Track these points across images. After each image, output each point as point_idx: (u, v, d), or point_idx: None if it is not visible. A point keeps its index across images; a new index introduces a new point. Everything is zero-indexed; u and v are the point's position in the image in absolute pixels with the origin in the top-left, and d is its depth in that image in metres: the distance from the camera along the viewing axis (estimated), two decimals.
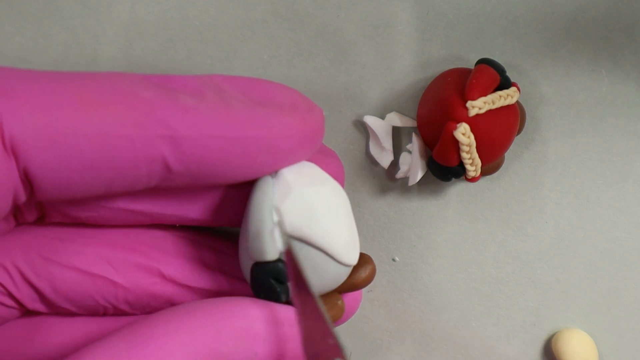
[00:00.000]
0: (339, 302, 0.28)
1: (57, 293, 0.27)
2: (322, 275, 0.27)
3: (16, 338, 0.29)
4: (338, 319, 0.28)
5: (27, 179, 0.23)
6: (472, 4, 0.32)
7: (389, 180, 0.33)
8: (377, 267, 0.34)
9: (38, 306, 0.28)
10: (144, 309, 0.28)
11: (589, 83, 0.32)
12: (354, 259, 0.27)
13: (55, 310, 0.28)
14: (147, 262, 0.28)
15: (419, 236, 0.33)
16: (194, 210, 0.28)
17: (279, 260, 0.26)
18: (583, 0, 0.32)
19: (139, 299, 0.28)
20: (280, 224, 0.25)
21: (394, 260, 0.34)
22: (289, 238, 0.26)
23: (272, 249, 0.25)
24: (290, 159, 0.26)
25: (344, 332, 0.34)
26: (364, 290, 0.34)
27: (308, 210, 0.26)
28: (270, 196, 0.26)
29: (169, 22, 0.33)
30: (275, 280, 0.26)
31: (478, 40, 0.32)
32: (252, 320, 0.25)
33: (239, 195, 0.28)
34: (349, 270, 0.27)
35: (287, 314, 0.26)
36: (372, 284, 0.33)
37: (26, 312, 0.29)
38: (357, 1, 0.32)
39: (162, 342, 0.23)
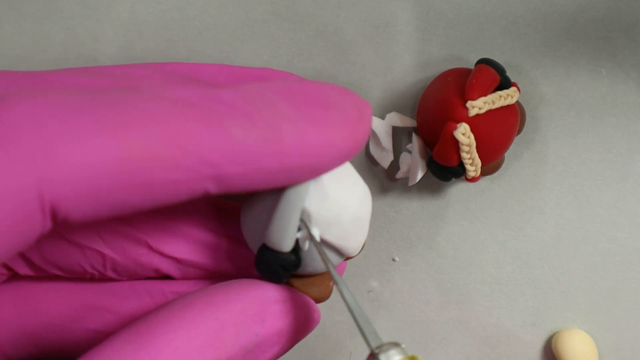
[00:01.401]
0: (330, 284, 0.29)
1: (46, 261, 0.28)
2: (323, 262, 0.27)
3: (2, 303, 0.29)
4: (325, 299, 0.29)
5: (64, 222, 0.23)
6: (472, 4, 0.32)
7: (389, 180, 0.33)
8: (377, 267, 0.34)
9: (26, 271, 0.28)
10: (130, 276, 0.29)
11: (589, 83, 0.32)
12: (357, 251, 0.28)
13: (42, 274, 0.29)
14: (135, 233, 0.28)
15: (419, 236, 0.33)
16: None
17: (291, 252, 0.26)
18: (583, 0, 0.32)
19: (126, 268, 0.28)
20: (307, 227, 0.26)
21: (394, 260, 0.34)
22: (311, 241, 0.26)
23: (290, 243, 0.26)
24: (331, 169, 0.26)
25: (344, 333, 0.34)
26: (363, 290, 0.34)
27: (336, 218, 0.26)
28: (304, 197, 0.26)
29: (169, 22, 0.33)
30: (282, 268, 0.26)
31: (478, 40, 0.32)
32: (249, 303, 0.26)
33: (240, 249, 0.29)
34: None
35: (275, 291, 0.27)
36: (372, 284, 0.33)
37: (13, 276, 0.29)
38: (357, 1, 0.32)
39: (168, 340, 0.24)
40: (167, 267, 0.29)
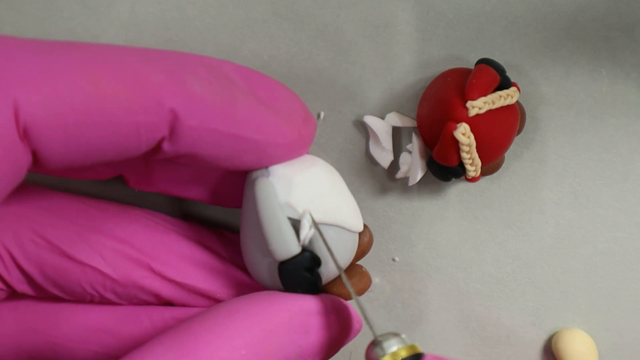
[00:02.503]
0: (363, 269, 0.29)
1: (46, 278, 0.28)
2: (342, 249, 0.28)
3: (3, 319, 0.29)
4: (369, 285, 0.29)
5: (34, 159, 0.23)
6: (472, 4, 0.32)
7: (389, 180, 0.33)
8: (377, 267, 0.34)
9: (26, 289, 0.28)
10: (130, 300, 0.29)
11: (589, 83, 0.32)
12: (361, 225, 0.28)
13: (42, 294, 0.29)
14: (137, 255, 0.28)
15: (419, 236, 0.33)
16: (190, 188, 0.29)
17: (303, 251, 0.26)
18: (583, 0, 0.32)
19: (126, 290, 0.28)
20: (305, 216, 0.26)
21: (394, 260, 0.34)
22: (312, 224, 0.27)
23: (294, 242, 0.26)
24: (274, 162, 0.27)
25: None
26: None
27: (314, 193, 0.27)
28: (275, 195, 0.26)
29: (169, 22, 0.33)
30: (307, 271, 0.27)
31: (478, 40, 0.32)
32: (292, 314, 0.26)
33: (234, 179, 0.29)
34: (357, 238, 0.29)
35: (318, 302, 0.27)
36: (372, 284, 0.33)
37: (12, 294, 0.29)
38: (357, 1, 0.32)
39: (212, 349, 0.24)
40: (167, 291, 0.29)
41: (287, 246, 0.26)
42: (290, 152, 0.27)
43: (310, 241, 0.27)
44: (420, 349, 0.25)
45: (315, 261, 0.27)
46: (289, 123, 0.27)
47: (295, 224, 0.26)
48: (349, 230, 0.28)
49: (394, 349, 0.24)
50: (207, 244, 0.30)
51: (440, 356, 0.24)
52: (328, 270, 0.27)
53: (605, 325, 0.33)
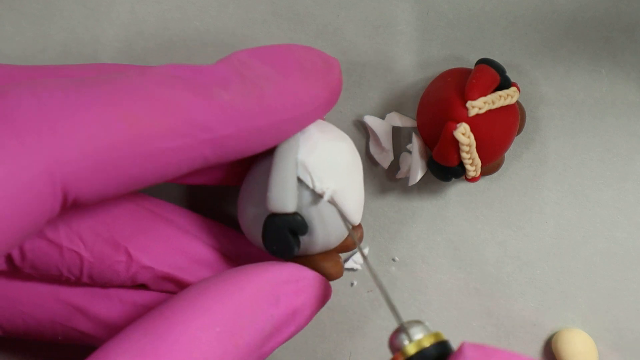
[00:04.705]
0: (340, 261, 0.29)
1: (25, 260, 0.28)
2: (329, 233, 0.27)
3: None
4: (341, 274, 0.29)
5: (73, 203, 0.23)
6: (472, 4, 0.32)
7: (389, 180, 0.33)
8: (376, 267, 0.34)
9: (1, 266, 0.28)
10: (104, 284, 0.29)
11: (589, 83, 0.32)
12: (358, 219, 0.28)
13: (16, 271, 0.29)
14: (116, 238, 0.28)
15: (419, 236, 0.33)
16: (199, 175, 0.29)
17: (296, 213, 0.26)
18: (583, 0, 0.32)
19: (102, 274, 0.28)
20: (314, 183, 0.26)
21: (394, 260, 0.34)
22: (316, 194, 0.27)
23: (293, 201, 0.26)
24: (315, 120, 0.27)
25: (344, 333, 0.34)
26: (364, 290, 0.34)
27: (332, 166, 0.27)
28: (296, 150, 0.26)
29: (169, 22, 0.33)
30: (291, 233, 0.27)
31: (478, 40, 0.32)
32: (263, 285, 0.26)
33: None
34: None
35: (291, 270, 0.27)
36: (372, 284, 0.33)
37: None
38: (357, 1, 0.32)
39: (183, 329, 0.24)
40: (143, 277, 0.29)
41: (284, 201, 0.26)
42: (328, 108, 0.27)
43: (307, 207, 0.27)
44: (444, 336, 0.25)
45: (303, 227, 0.27)
46: (317, 82, 0.27)
47: (302, 186, 0.26)
48: (347, 218, 0.28)
49: (419, 336, 0.24)
50: (191, 230, 0.30)
51: (478, 344, 0.24)
52: (311, 242, 0.27)
53: (605, 325, 0.33)
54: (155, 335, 0.24)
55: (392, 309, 0.26)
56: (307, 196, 0.27)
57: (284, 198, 0.26)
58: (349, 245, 0.29)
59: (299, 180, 0.26)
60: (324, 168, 0.27)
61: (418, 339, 0.24)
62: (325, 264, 0.28)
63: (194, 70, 0.25)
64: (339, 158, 0.27)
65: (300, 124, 0.26)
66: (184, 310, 0.25)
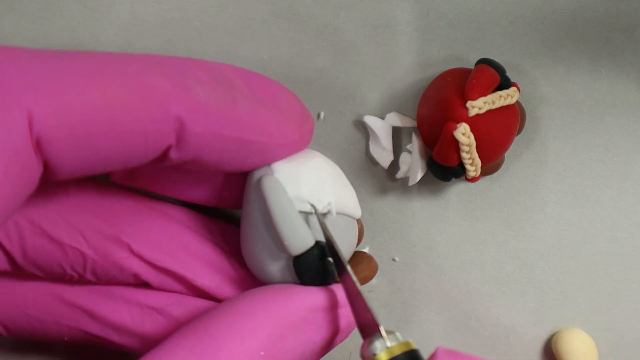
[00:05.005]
0: (367, 254, 0.30)
1: (27, 259, 0.28)
2: (346, 237, 0.28)
3: None
4: (375, 273, 0.30)
5: (45, 169, 0.23)
6: (472, 4, 0.32)
7: (389, 180, 0.33)
8: (377, 267, 0.34)
9: (5, 266, 0.29)
10: (109, 280, 0.29)
11: (589, 83, 0.32)
12: (360, 211, 0.29)
13: (20, 271, 0.29)
14: (118, 235, 0.28)
15: (419, 236, 0.33)
16: (190, 190, 0.30)
17: (316, 242, 0.27)
18: (583, 0, 0.32)
19: (106, 270, 0.29)
20: (315, 209, 0.27)
21: (394, 260, 0.34)
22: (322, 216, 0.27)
23: (309, 234, 0.27)
24: (277, 160, 0.27)
25: None
26: (363, 290, 0.34)
27: (320, 183, 0.27)
28: (284, 191, 0.27)
29: (169, 22, 0.33)
30: (321, 262, 0.27)
31: (478, 40, 0.32)
32: (307, 311, 0.26)
33: (234, 180, 0.29)
34: (357, 224, 0.29)
35: (330, 294, 0.27)
36: (372, 284, 0.33)
37: None
38: (357, 1, 0.32)
39: (230, 352, 0.24)
40: (145, 273, 0.29)
41: (303, 240, 0.27)
42: (292, 150, 0.27)
43: (319, 229, 0.27)
44: (414, 345, 0.25)
45: (327, 251, 0.27)
46: (290, 123, 0.27)
47: (306, 217, 0.27)
48: (352, 216, 0.28)
49: (388, 345, 0.25)
50: (197, 229, 0.30)
51: (451, 349, 0.24)
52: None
53: (605, 325, 0.33)
54: (198, 353, 0.24)
55: (373, 316, 0.26)
56: (314, 221, 0.27)
57: (301, 238, 0.27)
58: (360, 233, 0.30)
59: (302, 213, 0.27)
60: (316, 190, 0.27)
61: (388, 347, 0.25)
62: (358, 268, 0.29)
63: (172, 61, 0.25)
64: (322, 173, 0.28)
65: (262, 154, 0.26)
66: (230, 330, 0.25)
